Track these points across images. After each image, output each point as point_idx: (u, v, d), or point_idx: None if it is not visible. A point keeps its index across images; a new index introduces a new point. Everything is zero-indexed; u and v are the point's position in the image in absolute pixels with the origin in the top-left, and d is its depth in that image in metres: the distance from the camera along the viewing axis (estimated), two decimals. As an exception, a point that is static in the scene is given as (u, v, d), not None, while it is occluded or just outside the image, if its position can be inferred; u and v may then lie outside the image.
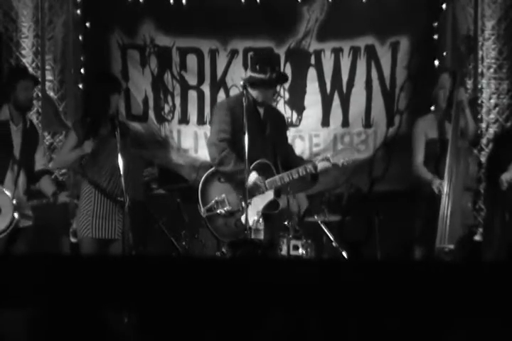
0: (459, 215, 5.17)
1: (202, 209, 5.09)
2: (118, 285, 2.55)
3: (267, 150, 5.07)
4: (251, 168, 5.00)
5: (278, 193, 5.16)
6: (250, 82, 5.06)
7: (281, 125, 5.43)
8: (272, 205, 5.04)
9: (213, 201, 5.06)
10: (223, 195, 5.07)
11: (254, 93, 5.09)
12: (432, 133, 5.37)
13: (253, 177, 4.97)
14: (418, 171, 5.37)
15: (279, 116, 5.49)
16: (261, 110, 5.17)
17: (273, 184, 4.99)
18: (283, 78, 5.36)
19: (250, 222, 4.90)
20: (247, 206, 4.78)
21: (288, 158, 5.28)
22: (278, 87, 6.54)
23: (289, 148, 5.48)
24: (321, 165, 4.99)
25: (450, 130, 5.25)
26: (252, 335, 2.60)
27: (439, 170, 5.23)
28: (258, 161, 5.01)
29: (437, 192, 5.16)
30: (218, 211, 5.03)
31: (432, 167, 5.31)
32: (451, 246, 5.05)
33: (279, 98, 6.61)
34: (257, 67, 5.08)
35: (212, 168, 5.17)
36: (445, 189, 5.13)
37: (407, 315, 2.68)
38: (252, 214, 4.93)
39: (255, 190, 5.00)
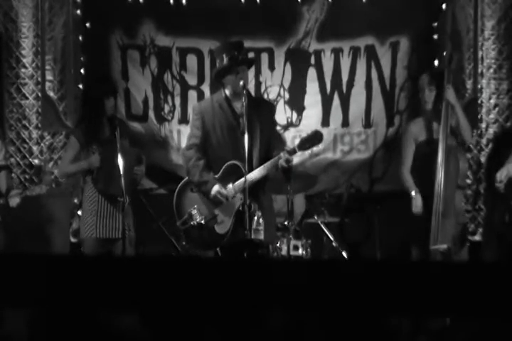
0: (452, 214, 5.17)
1: (178, 223, 5.03)
2: (118, 286, 2.55)
3: (242, 149, 4.76)
4: (218, 175, 4.90)
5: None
6: (216, 76, 4.98)
7: (266, 114, 5.06)
8: (244, 208, 4.82)
9: (186, 214, 4.99)
10: (195, 206, 4.98)
11: (226, 88, 4.95)
12: (421, 135, 5.38)
13: (215, 190, 4.84)
14: (404, 179, 5.42)
15: (264, 105, 5.17)
16: (237, 105, 4.92)
17: (240, 187, 4.85)
18: (244, 60, 5.03)
19: (224, 230, 4.84)
20: (249, 207, 4.72)
21: (271, 151, 4.96)
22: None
23: (275, 139, 5.11)
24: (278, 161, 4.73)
25: (438, 130, 5.25)
26: (251, 335, 2.60)
27: (428, 171, 5.22)
28: (227, 164, 4.88)
29: (414, 211, 5.21)
30: (192, 223, 4.95)
31: (421, 169, 5.31)
32: (445, 246, 5.05)
33: (279, 98, 6.61)
34: (217, 58, 5.02)
35: (185, 179, 5.10)
36: (436, 188, 5.14)
37: (408, 315, 2.68)
38: (226, 221, 4.85)
39: (222, 199, 4.88)
